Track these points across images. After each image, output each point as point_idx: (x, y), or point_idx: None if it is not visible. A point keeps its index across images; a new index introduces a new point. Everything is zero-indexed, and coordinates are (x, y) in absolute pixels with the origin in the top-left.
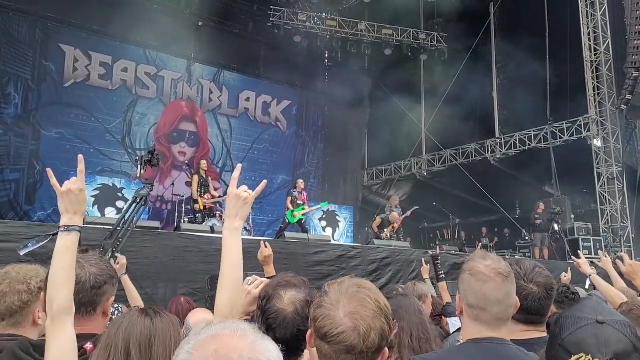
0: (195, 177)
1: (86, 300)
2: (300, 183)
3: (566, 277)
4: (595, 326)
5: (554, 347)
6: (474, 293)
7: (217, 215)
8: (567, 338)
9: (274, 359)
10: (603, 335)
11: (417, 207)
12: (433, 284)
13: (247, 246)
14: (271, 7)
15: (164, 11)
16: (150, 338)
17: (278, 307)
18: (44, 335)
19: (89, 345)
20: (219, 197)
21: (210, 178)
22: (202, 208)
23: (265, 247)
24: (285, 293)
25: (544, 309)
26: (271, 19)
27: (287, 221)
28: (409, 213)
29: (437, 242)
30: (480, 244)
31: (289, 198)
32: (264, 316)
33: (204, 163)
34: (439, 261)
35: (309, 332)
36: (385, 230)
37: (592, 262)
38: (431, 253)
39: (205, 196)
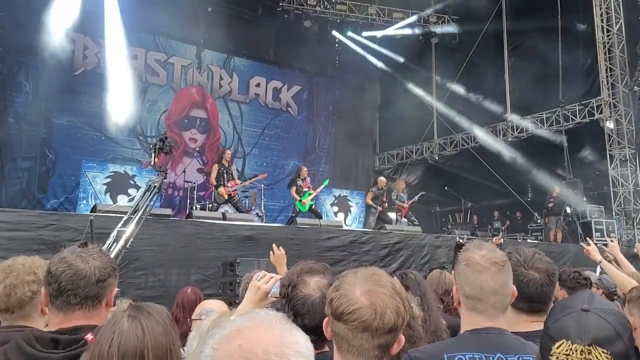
0: (216, 166)
1: (92, 294)
2: (305, 171)
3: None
4: (579, 314)
5: (542, 335)
6: (470, 284)
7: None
8: (552, 325)
9: (302, 352)
10: (585, 321)
11: (424, 193)
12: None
13: (258, 232)
14: None
15: None
16: (143, 351)
17: (305, 293)
18: (47, 325)
19: (89, 336)
20: (241, 182)
21: (234, 167)
22: (226, 197)
23: (279, 249)
24: (311, 279)
25: (546, 296)
26: (280, 4)
27: (299, 210)
28: (416, 198)
29: (449, 226)
30: (492, 227)
31: (294, 188)
32: (291, 303)
33: (227, 153)
34: (461, 250)
35: (325, 320)
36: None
37: (600, 248)
38: (459, 240)
39: (229, 184)
